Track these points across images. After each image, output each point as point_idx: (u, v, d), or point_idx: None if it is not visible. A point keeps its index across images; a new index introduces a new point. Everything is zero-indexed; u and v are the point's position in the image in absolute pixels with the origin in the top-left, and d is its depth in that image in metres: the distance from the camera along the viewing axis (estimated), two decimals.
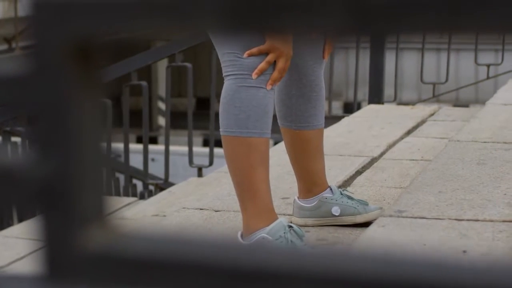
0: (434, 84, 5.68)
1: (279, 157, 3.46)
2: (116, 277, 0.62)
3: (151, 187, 5.14)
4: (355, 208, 2.79)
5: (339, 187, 2.99)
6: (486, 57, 6.48)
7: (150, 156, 5.25)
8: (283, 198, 3.01)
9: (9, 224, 4.30)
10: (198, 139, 11.69)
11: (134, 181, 5.29)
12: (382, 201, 2.99)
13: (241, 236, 2.47)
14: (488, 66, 5.66)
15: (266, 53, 2.41)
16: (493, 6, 0.56)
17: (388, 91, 5.48)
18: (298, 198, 2.81)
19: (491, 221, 2.22)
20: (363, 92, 5.92)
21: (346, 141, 3.96)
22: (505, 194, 2.46)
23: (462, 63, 12.02)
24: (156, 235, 0.64)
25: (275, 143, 5.39)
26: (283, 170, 3.31)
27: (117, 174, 5.19)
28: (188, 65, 4.87)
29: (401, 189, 3.04)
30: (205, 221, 2.89)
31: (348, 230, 2.76)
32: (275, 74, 2.42)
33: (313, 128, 2.72)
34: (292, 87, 2.69)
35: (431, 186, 2.55)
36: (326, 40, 2.66)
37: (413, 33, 0.58)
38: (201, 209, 3.02)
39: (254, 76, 2.41)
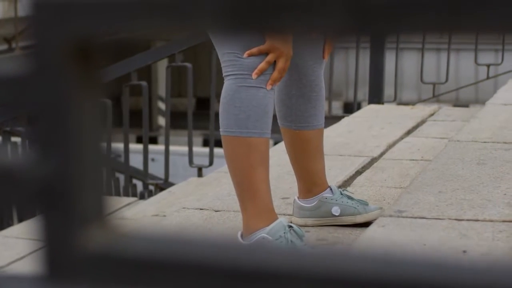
0: (434, 84, 5.68)
1: (279, 157, 3.46)
2: (116, 277, 0.62)
3: (151, 187, 5.14)
4: (355, 208, 2.79)
5: (339, 187, 2.99)
6: (486, 57, 6.48)
7: (150, 156, 5.25)
8: (283, 198, 3.01)
9: (9, 224, 4.30)
10: (198, 139, 11.69)
11: (134, 181, 5.29)
12: (382, 201, 2.99)
13: (241, 236, 2.47)
14: (488, 66, 5.66)
15: (266, 53, 2.41)
16: (493, 6, 0.56)
17: (388, 91, 5.48)
18: (298, 198, 2.81)
19: (491, 221, 2.22)
20: (363, 92, 5.92)
21: (346, 141, 3.96)
22: (505, 194, 2.46)
23: (462, 63, 12.02)
24: (156, 235, 0.64)
25: (275, 143, 5.39)
26: (283, 170, 3.31)
27: (117, 174, 5.19)
28: (188, 65, 4.87)
29: (401, 189, 3.04)
30: (205, 221, 2.89)
31: (348, 230, 2.76)
32: (275, 74, 2.42)
33: (313, 128, 2.72)
34: (292, 87, 2.69)
35: (431, 186, 2.55)
36: (326, 40, 2.66)
37: (413, 33, 0.58)
38: (201, 209, 3.02)
39: (254, 76, 2.41)
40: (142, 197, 4.96)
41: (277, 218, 2.46)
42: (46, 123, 0.63)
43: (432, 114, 4.80)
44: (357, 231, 2.72)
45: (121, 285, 0.62)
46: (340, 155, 3.68)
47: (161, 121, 14.05)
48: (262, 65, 2.40)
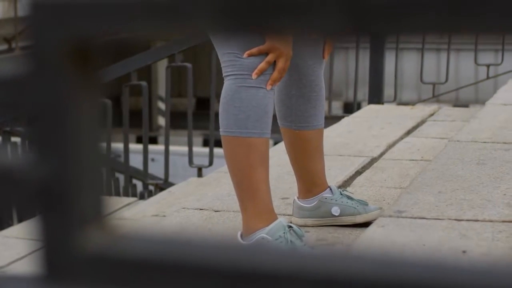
0: (434, 84, 5.68)
1: (279, 157, 3.46)
2: (115, 278, 0.62)
3: (151, 187, 5.14)
4: (354, 208, 2.79)
5: (339, 187, 2.99)
6: (486, 57, 6.48)
7: (150, 156, 5.25)
8: (282, 198, 3.01)
9: (9, 224, 4.30)
10: (198, 139, 11.69)
11: (134, 181, 5.29)
12: (382, 201, 2.99)
13: (241, 236, 2.47)
14: (488, 66, 5.66)
15: (266, 53, 2.41)
16: (493, 6, 0.56)
17: (388, 91, 5.48)
18: (297, 198, 2.81)
19: (491, 221, 2.22)
20: (363, 92, 5.92)
21: (346, 141, 3.96)
22: (504, 195, 2.46)
23: (462, 63, 12.02)
24: (155, 236, 0.64)
25: (275, 143, 5.39)
26: (283, 170, 3.30)
27: (117, 174, 5.19)
28: (188, 65, 4.87)
29: (401, 189, 3.04)
30: (205, 221, 2.89)
31: (347, 230, 2.76)
32: (275, 74, 2.42)
33: (313, 128, 2.72)
34: (292, 87, 2.69)
35: (430, 186, 2.55)
36: (326, 40, 2.66)
37: (412, 34, 0.58)
38: (201, 209, 3.02)
39: (254, 76, 2.41)
40: (142, 197, 4.97)
41: (276, 218, 2.46)
42: (44, 124, 0.63)
43: (432, 114, 4.80)
44: (356, 231, 2.72)
45: (119, 286, 0.62)
46: (340, 155, 3.68)
47: (161, 121, 14.05)
48: (262, 65, 2.40)
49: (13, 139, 4.96)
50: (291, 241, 2.41)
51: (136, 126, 6.17)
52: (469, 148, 3.06)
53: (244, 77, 2.41)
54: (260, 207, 2.43)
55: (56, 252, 0.63)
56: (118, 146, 5.48)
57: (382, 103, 5.31)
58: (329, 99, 5.43)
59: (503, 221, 2.22)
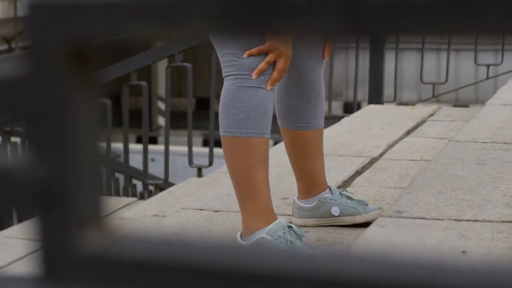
0: (433, 84, 5.68)
1: (278, 157, 3.46)
2: (113, 279, 0.62)
3: (151, 187, 5.14)
4: (354, 208, 2.78)
5: (339, 187, 2.99)
6: (486, 57, 6.48)
7: (150, 156, 5.25)
8: (282, 199, 3.01)
9: (9, 224, 4.30)
10: (198, 139, 11.69)
11: (134, 181, 5.29)
12: (382, 202, 2.99)
13: (241, 236, 2.47)
14: (488, 66, 5.66)
15: (265, 53, 2.41)
16: (493, 7, 0.56)
17: (388, 91, 5.48)
18: (297, 198, 2.81)
19: (490, 221, 2.22)
20: (363, 92, 5.92)
21: (345, 141, 3.96)
22: (504, 195, 2.46)
23: (462, 63, 12.02)
24: (153, 237, 0.64)
25: (275, 143, 5.39)
26: (283, 170, 3.30)
27: (117, 174, 5.19)
28: (188, 65, 4.87)
29: (401, 189, 3.04)
30: (205, 221, 2.89)
31: (347, 231, 2.76)
32: (275, 74, 2.42)
33: (313, 128, 2.72)
34: (292, 87, 2.69)
35: (430, 187, 2.55)
36: (326, 41, 2.66)
37: (412, 35, 0.58)
38: (200, 209, 3.02)
39: (253, 76, 2.41)
40: (142, 197, 4.97)
41: (276, 218, 2.46)
42: (43, 124, 0.63)
43: (431, 114, 4.80)
44: (356, 231, 2.72)
45: (118, 287, 0.62)
46: (340, 155, 3.68)
47: (161, 121, 14.06)
48: (261, 65, 2.40)
49: (13, 139, 4.96)
50: (290, 241, 2.41)
51: (136, 126, 6.17)
52: (469, 148, 3.06)
53: (244, 77, 2.41)
54: (260, 207, 2.43)
55: (55, 252, 0.63)
56: (118, 146, 5.48)
57: (382, 103, 5.31)
58: (329, 99, 5.43)
59: (503, 221, 2.22)
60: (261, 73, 2.41)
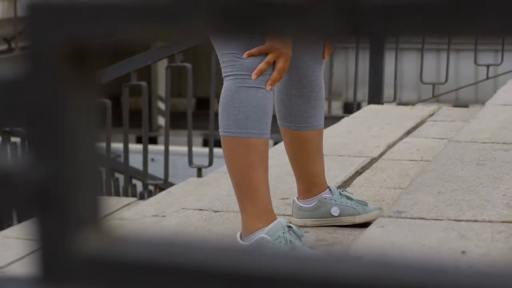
0: (433, 85, 5.68)
1: (278, 157, 3.46)
2: (111, 280, 0.62)
3: (151, 188, 5.14)
4: (354, 208, 2.78)
5: (339, 187, 2.99)
6: (486, 58, 6.48)
7: (149, 156, 5.25)
8: (282, 199, 3.01)
9: (9, 224, 4.30)
10: (197, 139, 11.69)
11: (134, 181, 5.29)
12: (382, 202, 2.99)
13: (240, 236, 2.47)
14: (488, 66, 5.66)
15: (265, 54, 2.41)
16: (493, 8, 0.56)
17: (388, 91, 5.48)
18: (297, 198, 2.81)
19: (490, 221, 2.22)
20: (363, 92, 5.92)
21: (345, 142, 3.96)
22: (504, 195, 2.46)
23: (462, 64, 12.02)
24: (152, 238, 0.64)
25: (275, 143, 5.39)
26: (283, 170, 3.30)
27: (117, 175, 5.19)
28: (188, 65, 4.87)
29: (401, 189, 3.04)
30: (204, 221, 2.89)
31: (347, 231, 2.76)
32: (275, 74, 2.42)
33: (313, 128, 2.72)
34: (291, 87, 2.69)
35: (430, 187, 2.55)
36: (326, 41, 2.66)
37: (412, 36, 0.58)
38: (200, 209, 3.02)
39: (253, 76, 2.41)
40: (141, 197, 4.97)
41: (276, 219, 2.46)
42: (41, 125, 0.63)
43: (431, 115, 4.80)
44: (356, 231, 2.72)
45: None
46: (340, 156, 3.68)
47: (161, 121, 14.06)
48: (261, 65, 2.40)
49: (13, 139, 4.96)
50: (290, 241, 2.41)
51: (136, 126, 6.17)
52: (469, 149, 3.06)
53: (244, 77, 2.41)
54: (260, 207, 2.43)
55: (53, 253, 0.63)
56: (118, 146, 5.48)
57: (382, 103, 5.31)
58: (329, 99, 5.43)
59: (503, 222, 2.22)
60: (261, 73, 2.41)
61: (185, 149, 5.18)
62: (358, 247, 2.10)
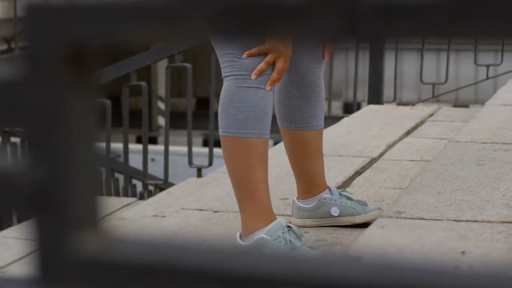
0: (433, 85, 5.68)
1: (278, 157, 3.46)
2: (109, 281, 0.62)
3: (151, 188, 5.14)
4: (354, 208, 2.78)
5: (338, 187, 2.99)
6: (486, 58, 6.48)
7: (149, 156, 5.25)
8: (282, 199, 3.01)
9: (9, 224, 4.30)
10: (197, 139, 11.69)
11: (134, 181, 5.29)
12: (381, 202, 2.99)
13: (240, 236, 2.47)
14: (488, 66, 5.66)
15: (265, 54, 2.41)
16: (493, 10, 0.56)
17: (388, 91, 5.48)
18: (297, 198, 2.81)
19: (490, 222, 2.22)
20: (363, 92, 5.92)
21: (345, 142, 3.96)
22: (503, 195, 2.46)
23: (462, 64, 12.02)
24: (150, 239, 0.64)
25: (275, 143, 5.39)
26: (282, 170, 3.30)
27: (117, 175, 5.19)
28: (188, 65, 4.87)
29: (400, 189, 3.04)
30: (204, 222, 2.89)
31: (347, 231, 2.76)
32: (274, 74, 2.42)
33: (313, 128, 2.72)
34: (291, 87, 2.69)
35: (430, 187, 2.55)
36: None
37: (412, 38, 0.58)
38: (200, 210, 3.02)
39: (253, 76, 2.41)
40: (141, 197, 4.97)
41: (275, 219, 2.46)
42: (40, 126, 0.63)
43: (431, 115, 4.80)
44: (356, 231, 2.72)
45: None
46: (340, 156, 3.68)
47: (161, 121, 14.05)
48: (261, 65, 2.40)
49: (13, 139, 4.96)
50: (290, 241, 2.41)
51: (136, 126, 6.17)
52: (469, 149, 3.06)
53: (244, 78, 2.41)
54: (259, 207, 2.43)
55: (51, 255, 0.63)
56: (117, 146, 5.48)
57: (382, 104, 5.31)
58: (329, 99, 5.43)
59: (502, 222, 2.22)
60: (261, 73, 2.41)
61: (185, 149, 5.18)
62: (357, 247, 2.10)
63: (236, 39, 2.37)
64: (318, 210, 2.77)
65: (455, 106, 7.88)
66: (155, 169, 5.78)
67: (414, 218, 2.26)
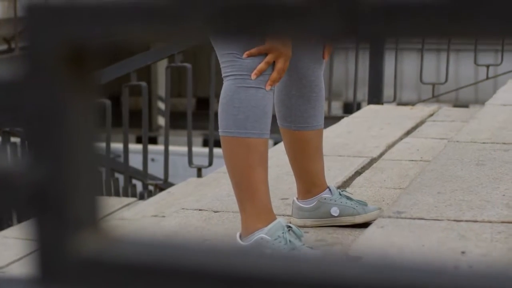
0: (433, 85, 5.68)
1: (278, 157, 3.46)
2: (109, 282, 0.62)
3: (151, 188, 5.14)
4: (354, 208, 2.78)
5: (338, 187, 2.99)
6: (486, 58, 6.48)
7: (149, 156, 5.25)
8: (282, 199, 3.01)
9: (9, 224, 4.30)
10: (197, 139, 11.69)
11: (134, 181, 5.29)
12: (381, 202, 2.99)
13: (240, 236, 2.47)
14: (488, 66, 5.66)
15: (265, 54, 2.41)
16: (493, 10, 0.56)
17: (388, 91, 5.48)
18: (297, 198, 2.81)
19: (490, 222, 2.22)
20: (363, 92, 5.92)
21: (345, 142, 3.96)
22: (503, 195, 2.46)
23: (462, 64, 12.02)
24: (150, 240, 0.64)
25: (275, 143, 5.39)
26: (282, 170, 3.30)
27: (117, 175, 5.19)
28: (188, 65, 4.87)
29: (400, 189, 3.04)
30: (204, 222, 2.89)
31: (347, 231, 2.76)
32: (274, 74, 2.42)
33: (313, 128, 2.72)
34: (292, 87, 2.69)
35: (430, 187, 2.55)
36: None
37: (412, 38, 0.58)
38: (200, 210, 3.02)
39: (253, 76, 2.41)
40: (141, 197, 4.97)
41: (275, 219, 2.46)
42: (39, 126, 0.63)
43: (431, 115, 4.80)
44: (356, 231, 2.72)
45: None
46: (340, 156, 3.68)
47: (161, 121, 14.05)
48: (261, 65, 2.40)
49: (13, 139, 4.96)
50: (290, 241, 2.41)
51: (136, 126, 6.17)
52: (469, 149, 3.06)
53: (244, 78, 2.41)
54: (259, 207, 2.43)
55: (51, 255, 0.63)
56: (117, 146, 5.48)
57: (382, 104, 5.31)
58: (329, 99, 5.43)
59: (502, 222, 2.22)
60: (261, 73, 2.41)
61: (185, 149, 5.18)
62: (357, 247, 2.10)
63: (236, 39, 2.37)
64: (318, 210, 2.77)
65: (455, 106, 7.88)
66: (155, 169, 5.78)
67: (414, 218, 2.26)
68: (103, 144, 4.69)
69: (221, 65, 2.47)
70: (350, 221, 2.78)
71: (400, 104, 5.76)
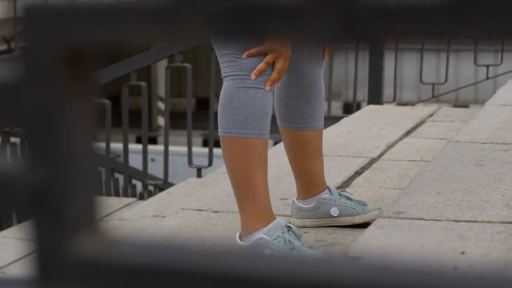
0: (433, 85, 5.68)
1: (278, 157, 3.46)
2: (107, 283, 0.62)
3: (151, 188, 5.14)
4: (353, 208, 2.79)
5: (338, 187, 2.99)
6: (486, 58, 6.48)
7: (149, 156, 5.25)
8: (281, 199, 3.01)
9: (8, 225, 4.30)
10: (197, 139, 11.69)
11: (134, 181, 5.29)
12: (381, 202, 2.99)
13: (239, 237, 2.47)
14: (488, 66, 5.67)
15: (265, 54, 2.41)
16: (492, 12, 0.56)
17: (388, 91, 5.48)
18: (296, 199, 2.81)
19: (490, 222, 2.22)
20: (363, 92, 5.92)
21: (345, 142, 3.96)
22: (503, 196, 2.46)
23: (462, 64, 12.02)
24: (148, 241, 0.64)
25: (275, 144, 5.39)
26: (282, 171, 3.30)
27: (117, 175, 5.19)
28: (188, 65, 4.87)
29: (400, 190, 3.04)
30: (204, 222, 2.89)
31: (346, 231, 2.76)
32: (274, 74, 2.42)
33: (312, 128, 2.72)
34: (291, 87, 2.69)
35: (429, 187, 2.55)
36: None
37: (412, 39, 0.59)
38: (199, 210, 3.02)
39: (253, 76, 2.41)
40: (141, 197, 4.97)
41: (275, 219, 2.46)
42: (38, 128, 0.63)
43: (431, 115, 4.80)
44: (355, 232, 2.72)
45: None
46: (339, 156, 3.68)
47: (161, 121, 14.05)
48: (261, 65, 2.40)
49: (13, 139, 4.96)
50: (289, 241, 2.41)
51: (135, 126, 6.17)
52: (468, 149, 3.06)
53: (243, 78, 2.41)
54: (259, 207, 2.43)
55: (49, 256, 0.63)
56: (117, 146, 5.48)
57: (382, 104, 5.31)
58: (329, 100, 5.43)
59: (502, 222, 2.22)
60: (260, 73, 2.41)
61: (184, 149, 5.18)
62: (357, 248, 2.10)
63: (236, 40, 2.37)
64: (318, 210, 2.78)
65: (455, 106, 7.89)
66: (155, 169, 5.78)
67: (414, 219, 2.26)
68: (103, 144, 4.69)
69: (221, 65, 2.47)
70: (349, 221, 2.78)
71: (400, 104, 5.76)
